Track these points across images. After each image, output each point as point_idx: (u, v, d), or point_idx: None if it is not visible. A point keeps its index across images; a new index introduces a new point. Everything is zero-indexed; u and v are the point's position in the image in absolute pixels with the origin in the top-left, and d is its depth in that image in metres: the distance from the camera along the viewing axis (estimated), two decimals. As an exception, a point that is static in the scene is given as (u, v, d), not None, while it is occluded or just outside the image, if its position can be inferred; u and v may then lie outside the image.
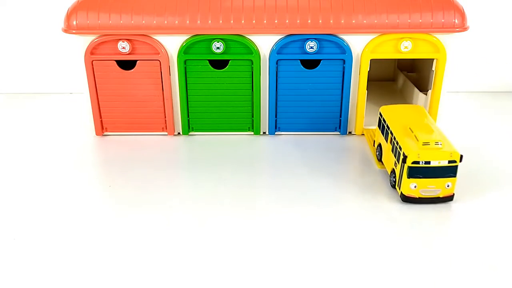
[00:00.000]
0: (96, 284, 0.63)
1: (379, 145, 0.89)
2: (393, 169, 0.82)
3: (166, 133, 1.04)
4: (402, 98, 1.20)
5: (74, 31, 0.93)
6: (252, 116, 1.03)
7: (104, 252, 0.69)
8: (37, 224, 0.75)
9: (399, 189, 0.79)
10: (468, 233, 0.73)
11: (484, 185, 0.85)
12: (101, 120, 1.03)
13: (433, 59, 0.98)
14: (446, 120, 1.06)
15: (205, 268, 0.66)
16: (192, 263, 0.67)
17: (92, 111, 1.01)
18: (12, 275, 0.65)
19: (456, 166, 0.76)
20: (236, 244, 0.71)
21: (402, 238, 0.71)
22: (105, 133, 1.04)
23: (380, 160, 0.89)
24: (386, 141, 0.85)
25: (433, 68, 0.99)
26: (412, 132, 0.80)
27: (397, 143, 0.80)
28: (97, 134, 1.04)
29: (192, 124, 1.03)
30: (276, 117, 1.02)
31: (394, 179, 0.82)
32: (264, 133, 1.05)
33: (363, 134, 1.04)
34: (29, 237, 0.72)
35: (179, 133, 1.05)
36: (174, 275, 0.65)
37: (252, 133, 1.04)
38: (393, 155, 0.82)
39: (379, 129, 0.89)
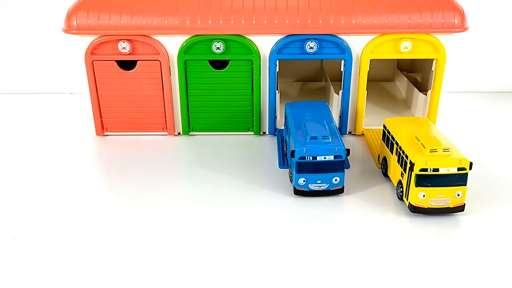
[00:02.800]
0: (96, 284, 0.64)
1: (384, 159, 0.87)
2: (400, 180, 0.79)
3: (166, 133, 1.04)
4: (402, 98, 1.20)
5: (74, 31, 0.93)
6: (252, 116, 1.03)
7: (104, 252, 0.69)
8: (38, 224, 0.75)
9: (407, 199, 0.76)
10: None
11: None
12: (102, 120, 1.03)
13: (432, 59, 0.98)
14: (446, 120, 1.06)
15: (204, 268, 0.66)
16: (191, 264, 0.67)
17: (93, 111, 1.01)
18: (12, 275, 0.65)
19: (466, 174, 0.73)
20: (236, 245, 0.71)
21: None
22: (105, 133, 1.04)
23: (385, 174, 0.87)
24: (392, 153, 0.83)
25: (433, 68, 0.99)
26: (419, 140, 0.77)
27: (403, 152, 0.77)
28: (97, 134, 1.04)
29: (192, 124, 1.03)
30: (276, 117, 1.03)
31: (401, 191, 0.79)
32: (264, 133, 1.05)
33: (363, 134, 1.04)
34: (29, 237, 0.72)
35: (179, 133, 1.05)
36: (173, 275, 0.65)
37: (252, 133, 1.04)
38: (399, 166, 0.79)
39: (383, 141, 0.87)
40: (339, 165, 0.78)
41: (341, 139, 0.80)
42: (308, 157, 0.77)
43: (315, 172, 0.78)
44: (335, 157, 0.78)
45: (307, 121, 0.83)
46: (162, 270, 0.66)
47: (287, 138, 0.89)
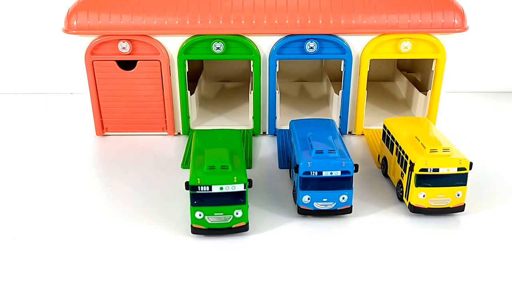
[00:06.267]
0: (96, 284, 0.64)
1: (384, 159, 0.87)
2: (400, 180, 0.79)
3: (166, 133, 1.04)
4: (402, 98, 1.20)
5: (74, 31, 0.93)
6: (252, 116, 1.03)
7: (104, 252, 0.69)
8: (38, 224, 0.75)
9: (407, 200, 0.76)
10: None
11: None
12: (102, 120, 1.03)
13: (432, 59, 0.98)
14: (446, 120, 1.06)
15: (205, 268, 0.66)
16: (191, 263, 0.67)
17: (93, 111, 1.01)
18: (12, 275, 0.65)
19: (466, 174, 0.73)
20: (236, 244, 0.71)
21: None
22: (105, 133, 1.04)
23: (385, 174, 0.87)
24: (392, 153, 0.82)
25: (433, 68, 0.99)
26: (419, 140, 0.77)
27: (403, 152, 0.77)
28: (97, 134, 1.04)
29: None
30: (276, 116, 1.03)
31: (401, 191, 0.78)
32: (264, 133, 1.05)
33: (363, 134, 1.04)
34: (29, 237, 0.72)
35: (179, 133, 1.05)
36: (173, 275, 0.65)
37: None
38: (399, 166, 0.79)
39: (383, 141, 0.87)
40: (347, 181, 0.73)
41: (348, 154, 0.75)
42: (313, 172, 0.71)
43: (320, 189, 0.72)
44: (342, 172, 0.72)
45: (312, 136, 0.78)
46: (161, 270, 0.66)
47: (291, 156, 0.84)
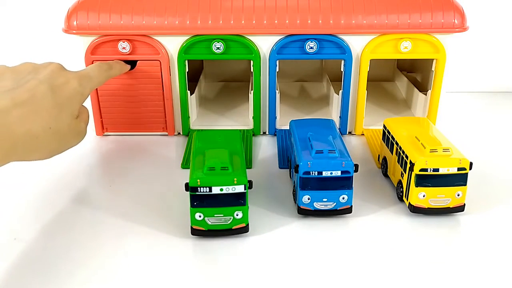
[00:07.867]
0: (95, 284, 0.64)
1: (384, 159, 0.87)
2: (400, 180, 0.79)
3: (166, 133, 1.04)
4: (402, 98, 1.20)
5: (74, 32, 0.93)
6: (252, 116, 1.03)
7: (104, 253, 0.69)
8: (38, 224, 0.75)
9: (407, 200, 0.76)
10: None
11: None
12: (102, 120, 1.03)
13: (432, 59, 0.98)
14: (446, 120, 1.06)
15: (205, 270, 0.66)
16: (191, 265, 0.67)
17: (93, 111, 1.01)
18: (12, 275, 0.65)
19: (466, 174, 0.73)
20: (236, 246, 0.71)
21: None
22: (105, 133, 1.04)
23: (385, 174, 0.87)
24: (392, 153, 0.83)
25: (433, 68, 0.99)
26: (419, 140, 0.76)
27: (403, 152, 0.77)
28: (97, 134, 1.04)
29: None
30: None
31: (401, 191, 0.79)
32: (264, 133, 1.05)
33: (363, 134, 1.04)
34: (29, 237, 0.72)
35: (179, 133, 1.05)
36: (173, 277, 0.65)
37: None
38: (399, 166, 0.79)
39: (383, 141, 0.87)
40: (347, 181, 0.72)
41: (348, 154, 0.74)
42: (313, 172, 0.71)
43: (320, 189, 0.72)
44: (342, 172, 0.72)
45: (312, 136, 0.78)
46: (161, 271, 0.66)
47: (291, 156, 0.84)
